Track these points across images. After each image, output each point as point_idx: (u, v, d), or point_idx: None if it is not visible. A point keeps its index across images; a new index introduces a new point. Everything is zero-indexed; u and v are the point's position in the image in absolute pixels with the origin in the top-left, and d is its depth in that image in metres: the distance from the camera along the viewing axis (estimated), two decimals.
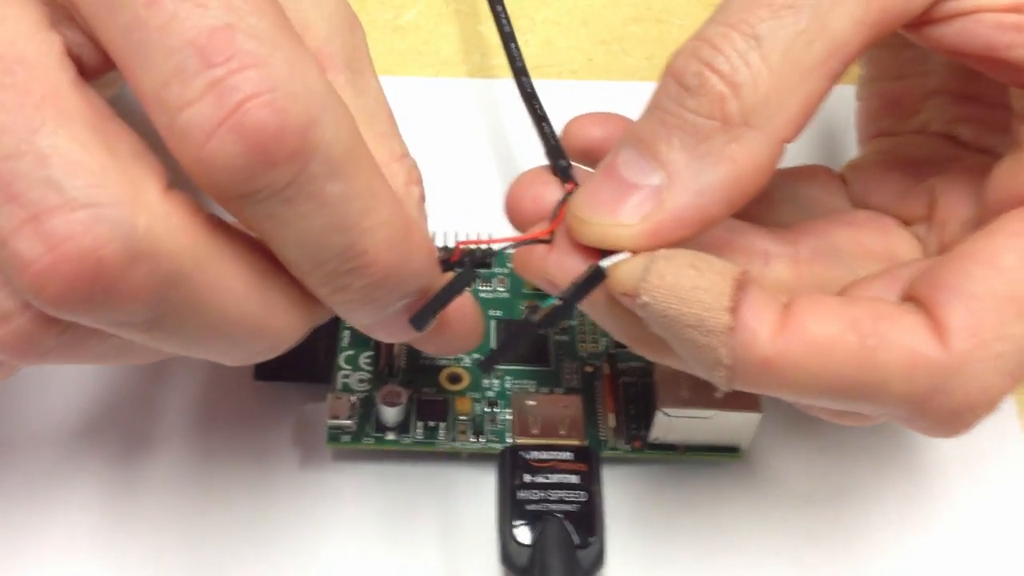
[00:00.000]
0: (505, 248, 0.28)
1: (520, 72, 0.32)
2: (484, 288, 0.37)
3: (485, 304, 0.37)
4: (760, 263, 0.29)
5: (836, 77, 0.25)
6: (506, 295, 0.37)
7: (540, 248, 0.27)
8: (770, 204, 0.31)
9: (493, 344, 0.36)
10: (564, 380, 0.35)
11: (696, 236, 0.25)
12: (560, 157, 0.29)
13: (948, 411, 0.24)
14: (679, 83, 0.25)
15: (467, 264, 0.27)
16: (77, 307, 0.21)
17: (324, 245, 0.22)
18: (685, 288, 0.24)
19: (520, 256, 0.28)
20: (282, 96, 0.20)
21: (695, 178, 0.25)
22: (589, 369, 0.36)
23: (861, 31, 0.25)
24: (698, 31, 0.26)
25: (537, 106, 0.31)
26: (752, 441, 0.34)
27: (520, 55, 0.33)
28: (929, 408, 0.24)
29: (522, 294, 0.37)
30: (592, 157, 0.30)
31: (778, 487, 0.35)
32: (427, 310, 0.26)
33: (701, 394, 0.33)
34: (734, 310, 0.24)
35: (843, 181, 0.33)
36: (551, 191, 0.28)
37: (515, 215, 0.29)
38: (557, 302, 0.26)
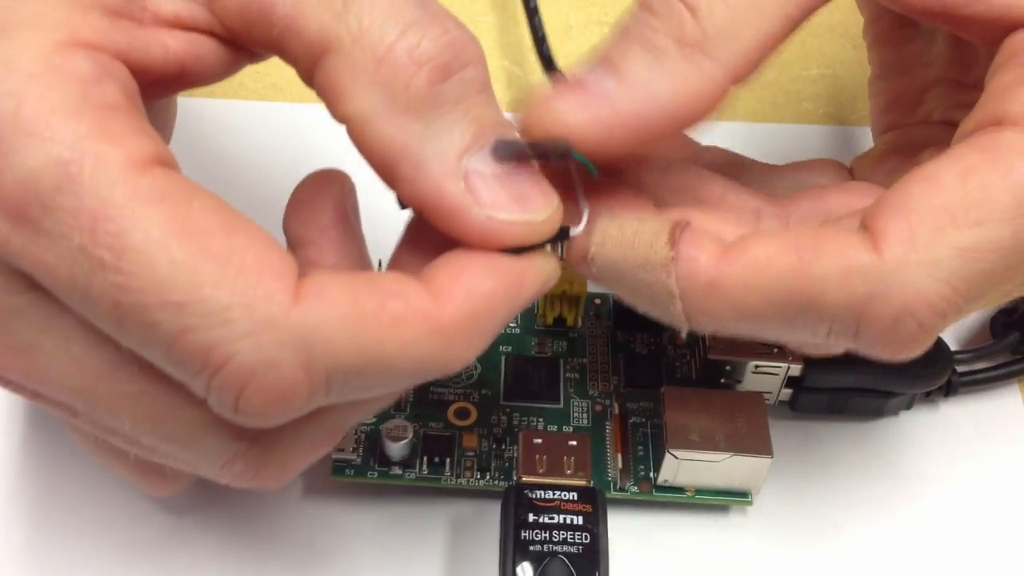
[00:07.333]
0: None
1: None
2: None
3: (496, 340, 0.36)
4: (751, 219, 0.29)
5: (793, 23, 0.26)
6: (517, 331, 0.37)
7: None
8: (774, 190, 0.32)
9: (504, 377, 0.36)
10: (573, 418, 0.35)
11: (636, 146, 0.26)
12: (551, 67, 0.31)
13: (889, 318, 0.24)
14: (645, 7, 0.26)
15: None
16: (282, 418, 0.23)
17: None
18: (628, 234, 0.26)
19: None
20: None
21: (646, 87, 0.25)
22: (599, 408, 0.35)
23: None
24: None
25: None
26: (763, 486, 0.34)
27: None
28: (869, 317, 0.24)
29: (534, 331, 0.37)
30: None
31: (788, 534, 0.34)
32: (513, 144, 0.25)
33: (711, 437, 0.33)
34: (673, 243, 0.25)
35: (850, 173, 0.33)
36: None
37: None
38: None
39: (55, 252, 0.21)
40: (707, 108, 0.26)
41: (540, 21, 0.35)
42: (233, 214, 0.23)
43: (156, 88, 0.25)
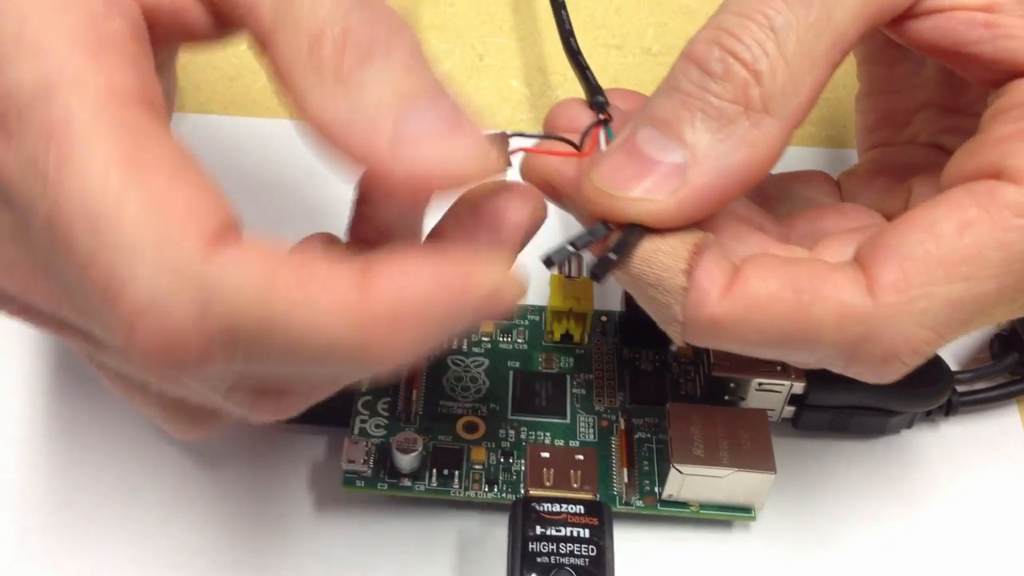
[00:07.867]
0: (536, 141, 0.29)
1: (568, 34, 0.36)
2: (504, 340, 0.38)
3: (504, 355, 0.37)
4: (759, 236, 0.29)
5: (836, 67, 0.27)
6: (525, 347, 0.38)
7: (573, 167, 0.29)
8: (768, 200, 0.33)
9: (512, 391, 0.36)
10: (580, 433, 0.36)
11: (712, 214, 0.27)
12: (598, 93, 0.31)
13: (877, 358, 0.26)
14: (702, 68, 0.26)
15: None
16: (174, 372, 0.23)
17: None
18: (649, 250, 0.26)
19: (549, 163, 0.29)
20: None
21: (718, 159, 0.26)
22: (605, 423, 0.36)
23: (858, 24, 0.26)
24: (714, 20, 0.27)
25: (580, 56, 0.34)
26: (766, 502, 0.34)
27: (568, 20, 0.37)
28: (860, 355, 0.26)
29: (541, 347, 0.38)
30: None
31: (791, 550, 0.35)
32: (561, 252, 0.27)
33: (715, 453, 0.33)
34: (689, 272, 0.26)
35: (838, 186, 0.34)
36: (586, 116, 0.30)
37: (550, 131, 0.31)
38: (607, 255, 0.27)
39: (15, 158, 0.22)
40: (773, 163, 0.27)
41: (567, 15, 0.36)
42: (188, 163, 0.23)
43: (163, 34, 0.25)
